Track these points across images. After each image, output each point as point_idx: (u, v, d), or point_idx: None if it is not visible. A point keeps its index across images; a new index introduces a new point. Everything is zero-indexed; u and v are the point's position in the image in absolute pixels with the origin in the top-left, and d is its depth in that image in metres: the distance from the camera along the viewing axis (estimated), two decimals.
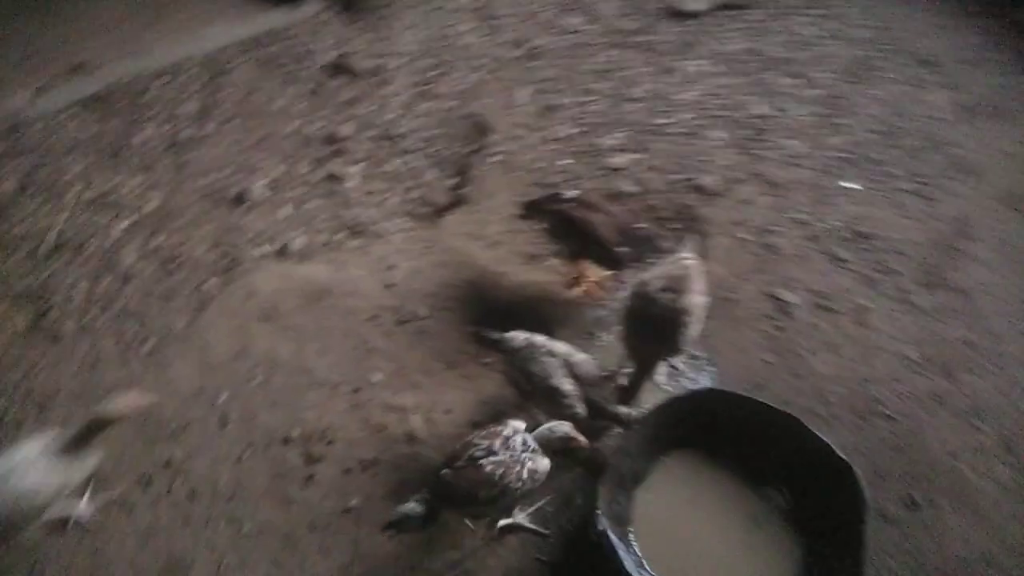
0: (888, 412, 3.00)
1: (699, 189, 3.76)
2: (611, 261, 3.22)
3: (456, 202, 3.79)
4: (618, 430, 2.79)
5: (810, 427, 2.64)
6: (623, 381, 2.88)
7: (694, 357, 3.14)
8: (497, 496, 2.33)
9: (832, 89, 4.21)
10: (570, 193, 3.29)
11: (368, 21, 4.64)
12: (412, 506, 2.36)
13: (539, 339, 2.69)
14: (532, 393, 2.67)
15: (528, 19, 4.66)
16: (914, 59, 4.38)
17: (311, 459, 2.84)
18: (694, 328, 2.76)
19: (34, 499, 2.36)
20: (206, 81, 4.30)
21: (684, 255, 2.90)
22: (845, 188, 3.76)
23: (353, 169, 3.92)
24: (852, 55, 4.40)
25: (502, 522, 2.60)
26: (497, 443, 2.36)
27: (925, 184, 3.78)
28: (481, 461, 2.33)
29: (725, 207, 3.69)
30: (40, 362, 3.16)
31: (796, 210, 3.67)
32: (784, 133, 4.01)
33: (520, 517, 2.63)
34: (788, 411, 2.69)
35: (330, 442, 2.89)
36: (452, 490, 2.34)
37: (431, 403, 2.95)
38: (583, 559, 2.57)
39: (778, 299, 3.34)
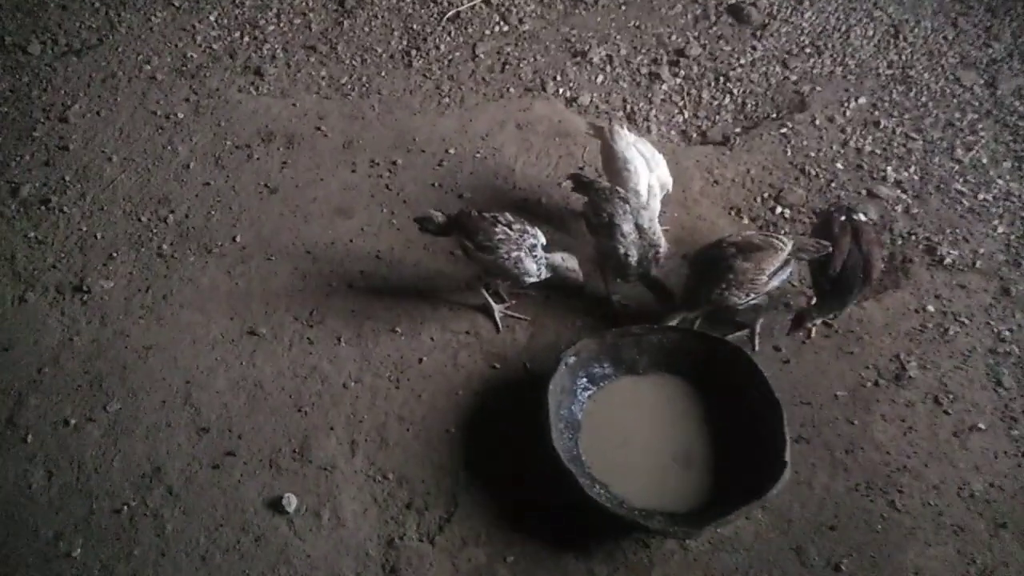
0: (897, 503, 2.88)
1: (932, 253, 3.62)
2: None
3: (721, 142, 4.17)
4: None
5: (785, 422, 2.74)
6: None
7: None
8: (485, 248, 3.03)
9: None
10: (865, 216, 3.27)
11: None
12: (437, 214, 3.16)
13: (620, 189, 3.15)
14: (597, 228, 3.17)
15: (927, 53, 4.58)
16: None
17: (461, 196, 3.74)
18: (735, 293, 3.00)
19: None
20: None
21: (781, 237, 3.03)
22: None
23: (673, 80, 4.49)
24: None
25: (487, 295, 3.27)
26: (518, 227, 3.05)
27: None
28: (499, 223, 2.99)
29: (940, 279, 3.52)
30: (385, 73, 4.44)
31: (1003, 323, 3.37)
32: None
33: (498, 307, 3.26)
34: (779, 400, 2.81)
35: (480, 213, 3.68)
36: (465, 221, 3.08)
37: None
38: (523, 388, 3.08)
39: (903, 367, 3.23)
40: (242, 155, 3.95)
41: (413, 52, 4.55)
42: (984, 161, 4.05)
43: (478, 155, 4.00)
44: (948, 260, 3.60)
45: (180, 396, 3.07)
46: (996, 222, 3.77)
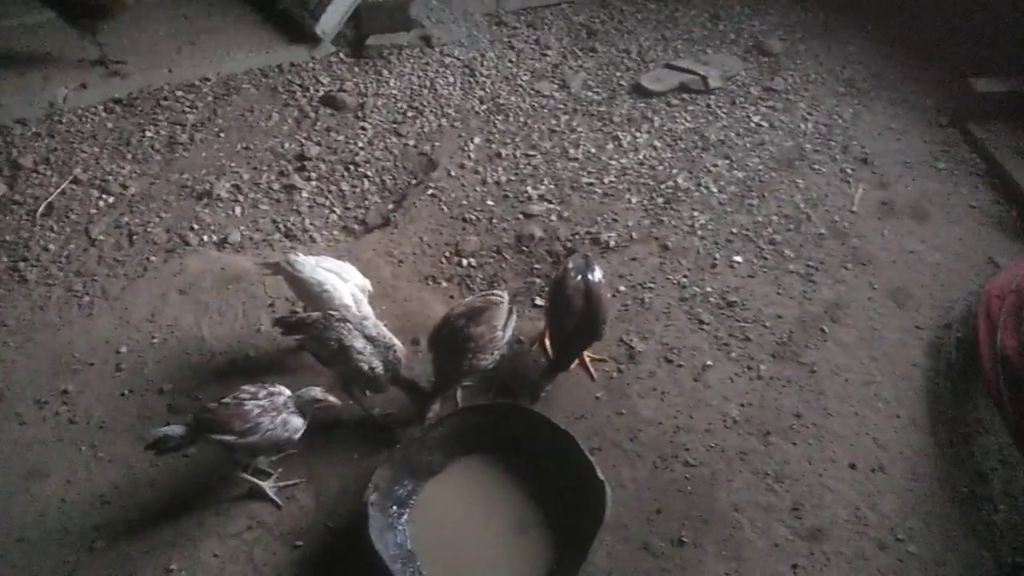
0: (689, 460, 3.21)
1: (597, 242, 4.09)
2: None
3: (383, 223, 4.27)
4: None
5: (583, 447, 2.92)
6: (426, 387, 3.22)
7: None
8: (249, 431, 2.76)
9: (756, 173, 4.48)
10: (598, 274, 3.33)
11: (368, 66, 5.26)
12: (174, 428, 2.81)
13: (334, 312, 3.11)
14: (331, 358, 3.08)
15: (503, 81, 5.16)
16: (850, 155, 4.59)
17: (172, 409, 3.33)
18: (482, 358, 3.13)
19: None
20: (215, 97, 5.01)
21: (496, 292, 3.26)
22: (733, 261, 4.01)
23: (309, 184, 4.48)
24: (788, 144, 4.66)
25: (249, 478, 3.00)
26: (263, 393, 2.83)
27: (815, 269, 3.97)
28: (244, 400, 2.77)
29: (615, 261, 4.00)
30: (3, 298, 3.81)
31: (678, 273, 3.94)
32: (695, 206, 4.29)
33: (267, 484, 3.02)
34: (568, 431, 2.98)
35: (197, 398, 3.38)
36: (213, 418, 2.79)
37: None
38: (339, 553, 2.89)
39: (629, 346, 3.61)
40: None
41: (21, 265, 3.95)
42: (593, 150, 4.67)
43: (155, 341, 3.61)
44: (612, 243, 4.10)
45: None
46: (628, 196, 4.38)
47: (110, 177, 4.45)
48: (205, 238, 4.15)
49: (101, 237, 4.12)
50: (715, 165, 4.55)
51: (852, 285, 3.90)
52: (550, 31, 5.57)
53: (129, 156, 4.60)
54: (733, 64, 5.18)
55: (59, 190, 4.33)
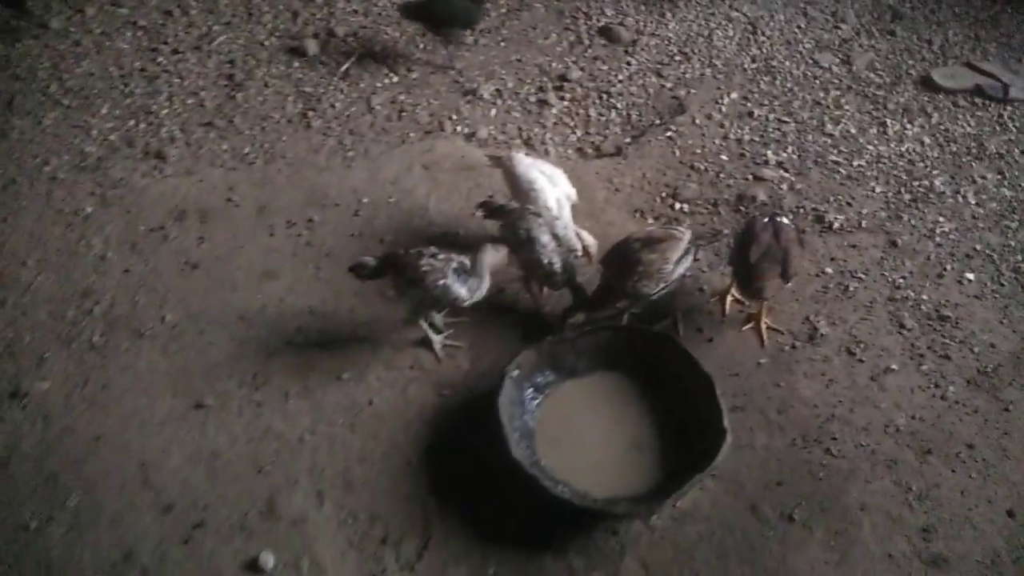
0: (833, 449, 3.10)
1: (821, 221, 3.94)
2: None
3: (615, 153, 4.43)
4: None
5: (718, 393, 2.95)
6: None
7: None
8: (415, 281, 3.15)
9: None
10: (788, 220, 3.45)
11: (654, 5, 5.37)
12: (369, 260, 3.30)
13: (530, 206, 3.34)
14: (518, 246, 3.35)
15: (784, 44, 5.01)
16: None
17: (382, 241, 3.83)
18: (647, 284, 3.22)
19: None
20: (508, 9, 5.41)
21: (680, 228, 3.30)
22: (964, 277, 3.67)
23: (561, 103, 4.75)
24: None
25: (425, 327, 3.38)
26: (442, 256, 3.17)
27: None
28: (424, 256, 3.13)
29: (833, 244, 3.84)
30: (286, 137, 4.55)
31: (896, 272, 3.70)
32: (943, 212, 3.96)
33: (437, 338, 3.39)
34: (709, 374, 3.02)
35: (406, 251, 3.80)
36: (395, 260, 3.22)
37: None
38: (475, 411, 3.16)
39: (814, 327, 3.49)
40: (157, 237, 3.98)
41: (310, 113, 4.68)
42: (852, 131, 4.44)
43: (391, 200, 4.13)
44: (837, 225, 3.93)
45: (138, 480, 3.05)
46: (873, 184, 4.14)
47: (400, 60, 5.05)
48: (458, 129, 4.60)
49: (378, 107, 4.73)
50: (983, 177, 4.14)
51: None
52: (852, 5, 5.27)
53: (424, 47, 5.16)
54: None
55: (355, 60, 4.99)
